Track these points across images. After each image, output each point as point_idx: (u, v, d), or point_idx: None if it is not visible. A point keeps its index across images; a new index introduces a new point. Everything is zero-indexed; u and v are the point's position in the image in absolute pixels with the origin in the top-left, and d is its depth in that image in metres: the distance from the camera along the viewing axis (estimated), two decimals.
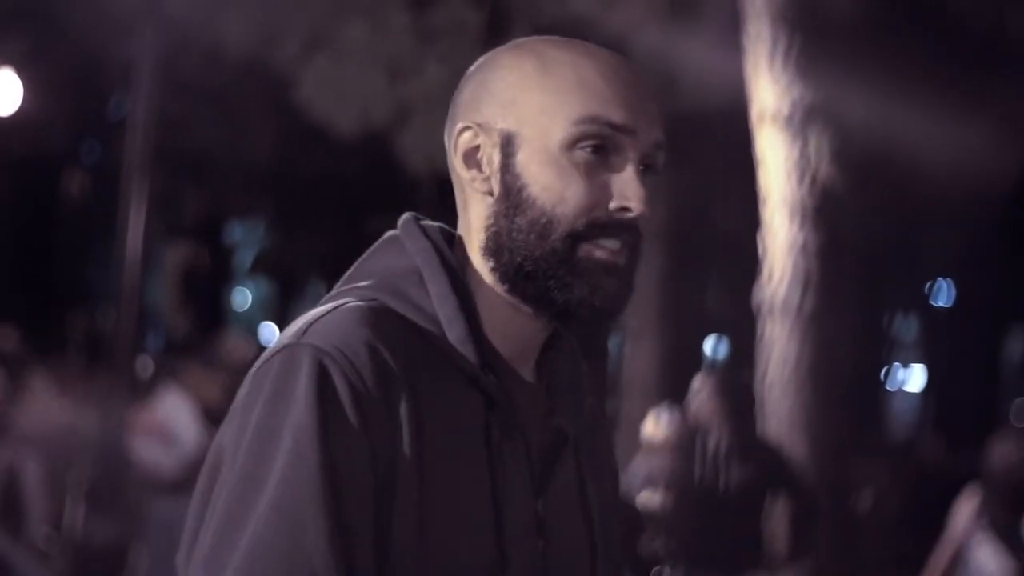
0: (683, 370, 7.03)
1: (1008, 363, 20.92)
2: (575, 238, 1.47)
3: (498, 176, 1.51)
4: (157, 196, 10.71)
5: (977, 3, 8.77)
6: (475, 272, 1.53)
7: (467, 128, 1.53)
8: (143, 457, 7.82)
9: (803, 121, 6.86)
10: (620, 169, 1.49)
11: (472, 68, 1.58)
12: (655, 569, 6.36)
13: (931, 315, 21.21)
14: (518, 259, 1.49)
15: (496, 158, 1.51)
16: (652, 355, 11.37)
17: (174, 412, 7.84)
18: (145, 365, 11.37)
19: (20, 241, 19.41)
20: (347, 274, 1.57)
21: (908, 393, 24.52)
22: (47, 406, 8.42)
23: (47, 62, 14.54)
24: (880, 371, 19.24)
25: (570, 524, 1.58)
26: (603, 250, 1.48)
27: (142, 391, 9.30)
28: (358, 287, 1.52)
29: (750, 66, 7.05)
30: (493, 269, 1.51)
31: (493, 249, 1.51)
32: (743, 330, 8.18)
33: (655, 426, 7.31)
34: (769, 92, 6.93)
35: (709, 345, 19.66)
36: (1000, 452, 5.95)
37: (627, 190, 1.49)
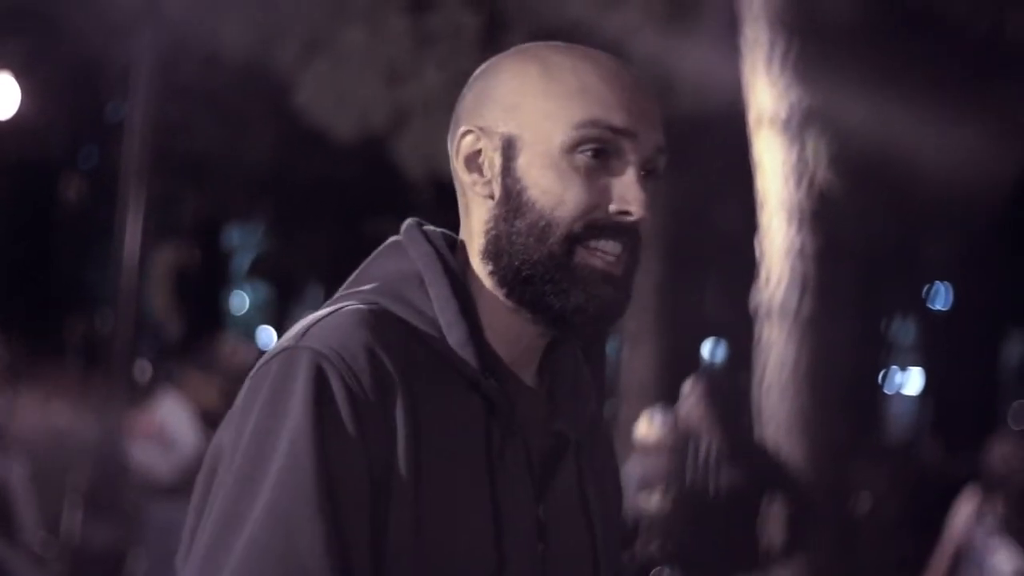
0: (681, 373, 7.02)
1: (1006, 366, 20.93)
2: (573, 241, 1.48)
3: (499, 180, 1.51)
4: (155, 200, 10.71)
5: (975, 6, 8.77)
6: (476, 277, 1.53)
7: (469, 132, 1.54)
8: (141, 461, 7.82)
9: (801, 125, 6.86)
10: (621, 173, 1.50)
11: (476, 73, 1.58)
12: (654, 571, 6.36)
13: (929, 318, 21.24)
14: (516, 263, 1.49)
15: (497, 162, 1.51)
16: (650, 358, 11.37)
17: (172, 416, 7.84)
18: (143, 369, 11.38)
19: (18, 245, 19.41)
20: (350, 279, 1.57)
21: (906, 396, 24.55)
22: (37, 410, 8.43)
23: (45, 66, 14.54)
24: (878, 374, 19.26)
25: (571, 529, 1.58)
26: (600, 258, 1.49)
27: (140, 395, 9.31)
28: (359, 291, 1.53)
29: (748, 70, 7.06)
30: (492, 273, 1.52)
31: (493, 253, 1.51)
32: (741, 333, 8.18)
33: (648, 427, 7.32)
34: (767, 96, 6.93)
35: (707, 348, 19.67)
36: (1001, 454, 5.95)
37: (628, 194, 1.49)
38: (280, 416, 1.39)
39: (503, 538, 1.47)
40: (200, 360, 8.44)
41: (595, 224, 1.48)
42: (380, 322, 1.46)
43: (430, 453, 1.43)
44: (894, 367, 23.42)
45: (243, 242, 24.31)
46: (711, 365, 18.62)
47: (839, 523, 7.18)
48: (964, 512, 5.99)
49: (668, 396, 8.06)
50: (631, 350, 11.73)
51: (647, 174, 1.51)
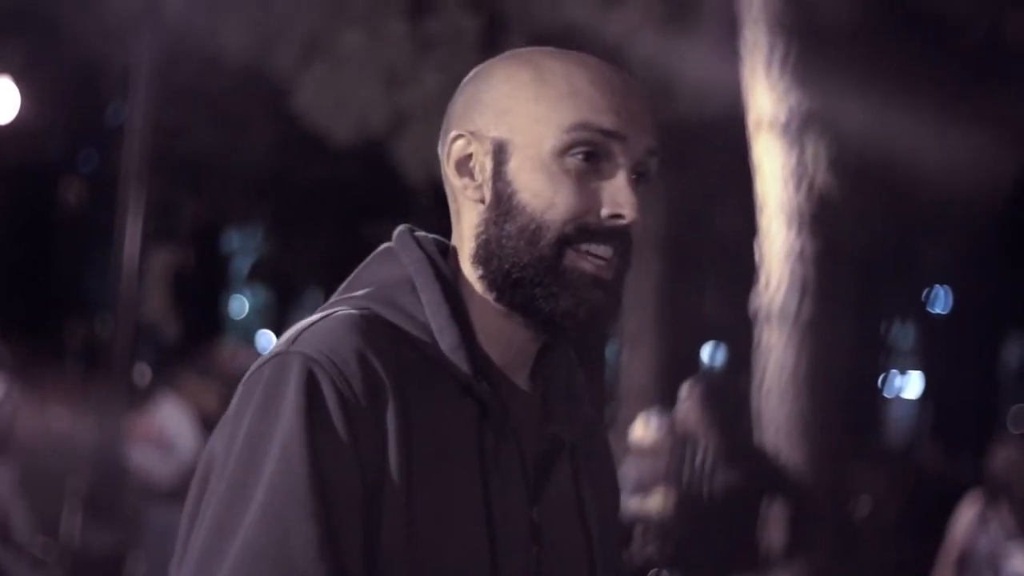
0: (680, 376, 7.01)
1: (1005, 369, 20.94)
2: (564, 243, 1.48)
3: (490, 183, 1.51)
4: (154, 203, 10.71)
5: (974, 9, 8.77)
6: (467, 281, 1.53)
7: (460, 136, 1.54)
8: (140, 464, 7.82)
9: (800, 128, 6.86)
10: (611, 176, 1.50)
11: (466, 78, 1.58)
12: (652, 572, 6.36)
13: (928, 322, 21.25)
14: (506, 266, 1.49)
15: (488, 166, 1.51)
16: (649, 361, 11.37)
17: (171, 420, 7.85)
18: (142, 373, 11.37)
19: (18, 248, 19.42)
20: (343, 285, 1.58)
21: (905, 400, 24.55)
22: (37, 414, 8.43)
23: (44, 70, 14.55)
24: (878, 378, 19.26)
25: (567, 531, 1.58)
26: (590, 262, 1.49)
27: (139, 399, 9.31)
28: (352, 297, 1.53)
29: (747, 73, 7.06)
30: (483, 277, 1.52)
31: (483, 257, 1.51)
32: (740, 337, 8.18)
33: (644, 430, 7.33)
34: (766, 99, 6.93)
35: (707, 352, 19.68)
36: (1004, 460, 5.93)
37: (619, 196, 1.49)
38: (272, 421, 1.40)
39: (497, 541, 1.47)
40: (199, 364, 8.45)
41: (587, 228, 1.48)
42: (372, 327, 1.46)
43: (422, 457, 1.44)
44: (894, 370, 23.43)
45: (242, 246, 24.32)
46: (710, 368, 18.62)
47: (838, 526, 7.17)
48: (967, 518, 5.97)
49: (667, 399, 8.06)
50: (630, 353, 11.73)
51: (638, 177, 1.51)
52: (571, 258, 1.48)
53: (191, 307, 18.48)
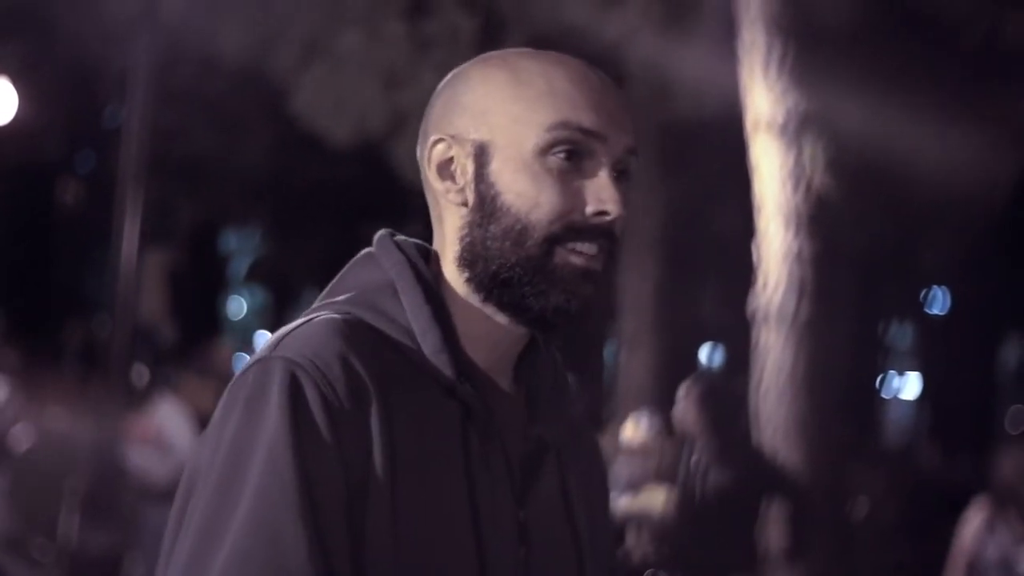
0: (679, 377, 7.01)
1: (1003, 370, 20.95)
2: (552, 242, 1.48)
3: (472, 186, 1.51)
4: (152, 204, 10.70)
5: (973, 9, 8.78)
6: (450, 284, 1.54)
7: (440, 140, 1.54)
8: (138, 465, 7.82)
9: (798, 129, 6.86)
10: (593, 174, 1.50)
11: (443, 82, 1.59)
12: (648, 572, 6.36)
13: (926, 323, 21.25)
14: (493, 267, 1.50)
15: (470, 168, 1.52)
16: (647, 362, 11.37)
17: (169, 420, 7.85)
18: (140, 373, 11.36)
19: (15, 249, 19.41)
20: (325, 290, 1.58)
21: (903, 401, 24.54)
22: (35, 414, 8.42)
23: (42, 71, 14.55)
24: (875, 379, 19.27)
25: (554, 532, 1.58)
26: (580, 256, 1.49)
27: (137, 399, 9.30)
28: (334, 302, 1.53)
29: (745, 74, 7.06)
30: (469, 280, 1.52)
31: (468, 260, 1.52)
32: (738, 337, 8.18)
33: (634, 430, 7.34)
34: (764, 100, 6.93)
35: (704, 352, 19.68)
36: (1012, 466, 5.91)
37: (603, 193, 1.49)
38: (257, 425, 1.40)
39: (484, 542, 1.47)
40: (197, 365, 8.44)
41: (573, 226, 1.49)
42: (354, 331, 1.46)
43: (407, 459, 1.44)
44: (891, 371, 23.42)
45: (240, 246, 24.30)
46: (708, 369, 18.63)
47: (836, 527, 7.17)
48: (974, 524, 5.95)
49: (665, 400, 8.06)
50: (628, 354, 11.73)
51: (619, 175, 1.52)
52: (561, 255, 1.48)
53: (189, 308, 18.45)
